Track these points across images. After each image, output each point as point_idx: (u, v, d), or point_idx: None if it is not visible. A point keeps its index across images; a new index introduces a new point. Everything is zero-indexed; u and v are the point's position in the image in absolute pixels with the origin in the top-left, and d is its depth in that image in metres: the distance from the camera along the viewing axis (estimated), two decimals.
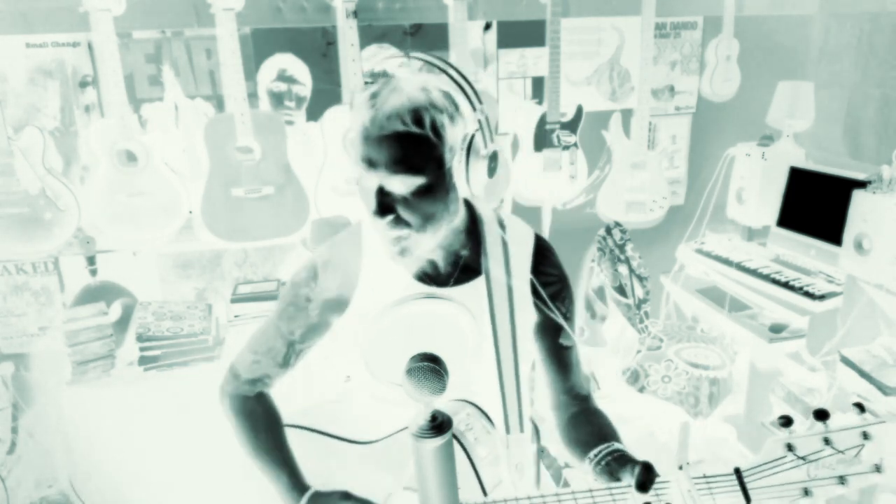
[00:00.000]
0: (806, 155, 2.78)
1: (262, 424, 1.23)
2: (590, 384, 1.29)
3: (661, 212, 2.82)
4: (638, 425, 2.77)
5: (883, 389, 1.93)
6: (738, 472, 0.77)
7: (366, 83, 2.43)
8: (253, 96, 2.44)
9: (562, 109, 2.63)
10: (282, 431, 1.23)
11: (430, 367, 0.84)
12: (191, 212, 2.41)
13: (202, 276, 2.65)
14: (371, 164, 0.99)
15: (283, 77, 2.50)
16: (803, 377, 2.41)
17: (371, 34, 2.51)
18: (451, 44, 2.56)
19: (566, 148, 2.66)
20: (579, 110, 2.67)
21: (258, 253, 2.66)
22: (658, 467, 0.85)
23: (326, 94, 2.52)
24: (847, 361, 2.06)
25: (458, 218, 1.12)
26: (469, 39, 2.54)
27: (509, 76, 2.72)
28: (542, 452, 2.12)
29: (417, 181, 0.99)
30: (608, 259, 2.61)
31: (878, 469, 0.71)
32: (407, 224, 1.02)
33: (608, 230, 2.61)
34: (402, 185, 0.99)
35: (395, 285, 1.14)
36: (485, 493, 1.07)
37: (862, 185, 2.16)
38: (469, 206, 1.19)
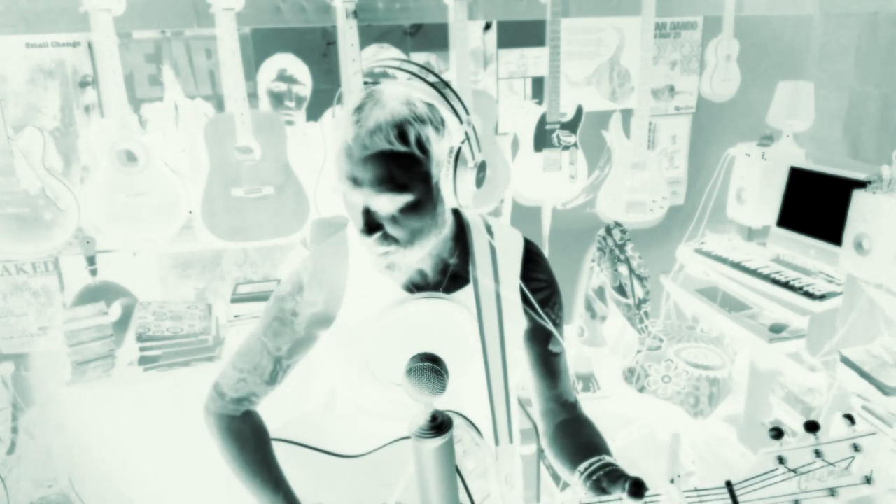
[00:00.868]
0: (806, 155, 2.78)
1: (251, 444, 1.20)
2: (576, 393, 1.27)
3: (661, 212, 2.82)
4: (638, 425, 2.77)
5: (883, 389, 1.93)
6: (729, 485, 0.77)
7: (365, 83, 2.43)
8: (253, 96, 2.44)
9: (562, 109, 2.63)
10: (271, 450, 1.20)
11: (430, 367, 0.84)
12: (191, 212, 2.41)
13: (202, 276, 2.65)
14: (356, 182, 0.97)
15: (283, 77, 2.50)
16: (803, 377, 2.41)
17: (371, 34, 2.51)
18: (451, 44, 2.56)
19: (566, 148, 2.65)
20: (579, 110, 2.67)
21: (258, 253, 2.66)
22: (653, 473, 0.85)
23: (326, 94, 2.52)
24: (847, 361, 2.05)
25: (447, 227, 1.11)
26: (469, 39, 2.54)
27: (509, 76, 2.72)
28: (541, 453, 2.12)
29: (404, 199, 0.96)
30: (608, 259, 2.61)
31: (868, 481, 0.71)
32: (394, 240, 1.00)
33: (608, 230, 2.61)
34: (388, 203, 0.97)
35: (383, 296, 1.12)
36: None
37: (862, 185, 2.16)
38: (456, 213, 1.18)
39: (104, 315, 2.32)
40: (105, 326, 2.29)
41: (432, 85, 0.99)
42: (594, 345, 2.75)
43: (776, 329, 2.47)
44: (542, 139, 2.63)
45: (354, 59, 2.36)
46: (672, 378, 2.50)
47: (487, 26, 2.64)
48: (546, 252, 2.66)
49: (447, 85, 1.02)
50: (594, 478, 1.02)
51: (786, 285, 2.45)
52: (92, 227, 2.41)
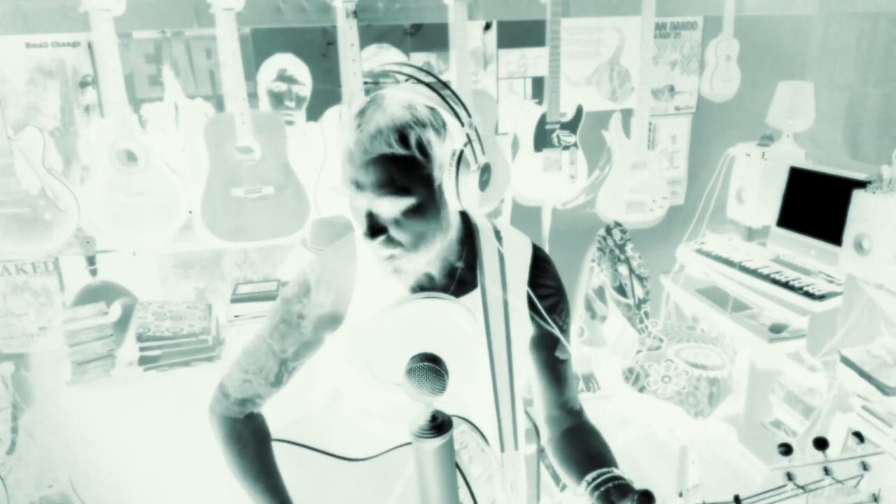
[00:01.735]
0: (806, 155, 2.78)
1: (251, 449, 1.20)
2: (581, 403, 1.26)
3: (661, 212, 2.82)
4: (638, 425, 2.77)
5: (883, 389, 1.93)
6: (737, 499, 0.76)
7: (365, 83, 2.43)
8: (253, 96, 2.44)
9: (562, 109, 2.63)
10: (271, 456, 1.21)
11: (431, 367, 0.84)
12: (191, 212, 2.41)
13: (202, 276, 2.65)
14: (358, 186, 0.96)
15: (283, 77, 2.50)
16: (803, 377, 2.41)
17: (371, 34, 2.51)
18: (451, 44, 2.56)
19: (566, 148, 2.65)
20: (579, 110, 2.67)
21: (258, 253, 2.66)
22: (654, 472, 0.85)
23: (326, 94, 2.52)
24: (847, 361, 2.06)
25: (453, 230, 1.10)
26: (469, 39, 2.54)
27: (509, 76, 2.72)
28: (541, 452, 2.12)
29: (407, 202, 0.96)
30: (608, 259, 2.61)
31: (875, 499, 0.72)
32: (399, 244, 1.00)
33: (608, 230, 2.61)
34: (391, 206, 0.96)
35: (390, 298, 1.11)
36: None
37: (862, 185, 2.16)
38: (464, 217, 1.18)
39: (104, 315, 2.32)
40: (105, 326, 2.29)
41: (433, 88, 0.99)
42: (594, 345, 2.75)
43: (776, 329, 2.47)
44: (542, 139, 2.63)
45: (354, 59, 2.36)
46: (672, 378, 2.50)
47: (487, 26, 2.64)
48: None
49: (448, 87, 1.02)
50: (602, 489, 1.02)
51: (786, 285, 2.45)
52: (92, 227, 2.41)
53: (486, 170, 1.03)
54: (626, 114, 2.77)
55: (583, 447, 1.16)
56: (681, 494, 0.80)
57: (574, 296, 2.77)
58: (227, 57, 2.29)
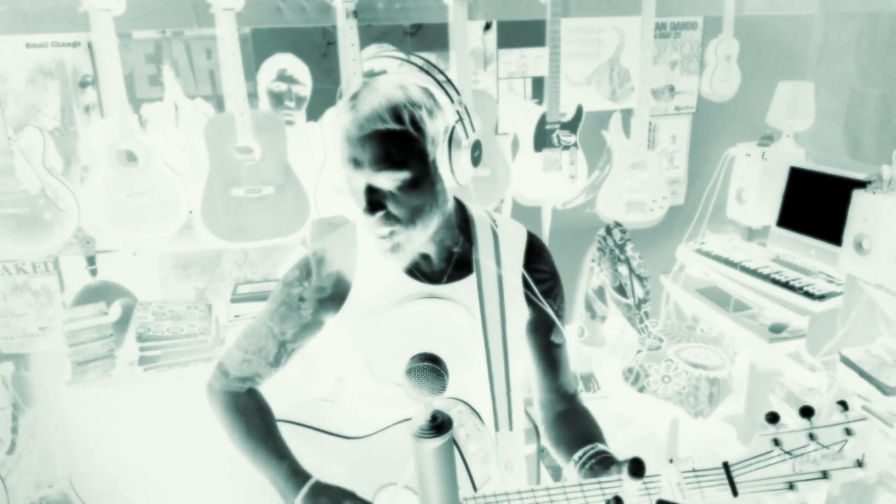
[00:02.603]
0: (806, 155, 2.78)
1: (256, 418, 1.23)
2: (577, 383, 1.28)
3: (661, 212, 2.82)
4: (638, 425, 2.77)
5: (883, 389, 1.93)
6: (726, 465, 0.79)
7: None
8: (253, 96, 2.44)
9: (562, 109, 2.63)
10: (275, 423, 1.23)
11: (430, 367, 0.84)
12: (191, 212, 2.41)
13: (202, 276, 2.65)
14: (356, 163, 1.01)
15: (283, 77, 2.50)
16: (803, 377, 2.41)
17: (371, 34, 2.51)
18: (451, 44, 2.56)
19: (566, 148, 2.65)
20: (579, 110, 2.67)
21: (258, 253, 2.66)
22: (650, 464, 0.87)
23: (326, 94, 2.52)
24: (847, 361, 2.05)
25: (449, 210, 1.13)
26: (469, 39, 2.54)
27: (509, 76, 2.72)
28: (542, 452, 2.12)
29: (402, 175, 1.00)
30: (608, 259, 2.61)
31: (859, 464, 0.74)
32: (397, 219, 1.04)
33: (608, 230, 2.61)
34: (387, 180, 1.01)
35: (390, 283, 1.15)
36: (475, 489, 1.09)
37: (862, 185, 2.16)
38: (461, 206, 1.21)
39: (104, 315, 2.32)
40: (105, 326, 2.29)
41: (423, 69, 1.04)
42: (594, 345, 2.75)
43: (776, 329, 2.47)
44: (542, 139, 2.63)
45: (354, 59, 2.36)
46: (672, 378, 2.50)
47: (487, 26, 2.64)
48: None
49: (437, 68, 1.06)
50: (588, 465, 1.06)
51: (786, 285, 2.45)
52: (92, 227, 2.41)
53: (477, 146, 1.07)
54: (626, 114, 2.77)
55: (573, 428, 1.20)
56: (671, 461, 0.83)
57: (574, 296, 2.77)
58: (227, 57, 2.29)
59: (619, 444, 2.71)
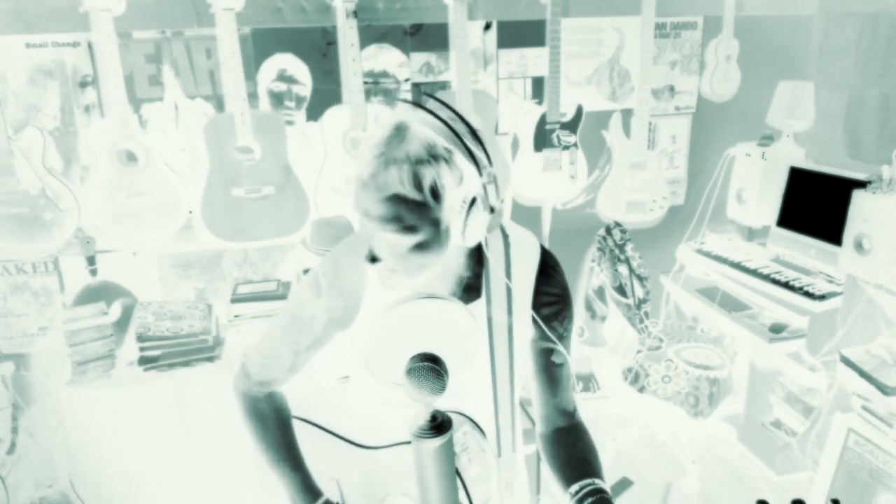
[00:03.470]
0: (806, 155, 2.78)
1: (272, 424, 1.26)
2: (575, 402, 1.28)
3: (661, 212, 2.82)
4: (638, 425, 2.77)
5: (883, 389, 1.93)
6: None
7: (364, 83, 2.42)
8: (253, 96, 2.44)
9: (562, 109, 2.63)
10: (291, 431, 1.26)
11: (430, 367, 0.84)
12: (191, 212, 2.41)
13: (202, 276, 2.65)
14: (366, 215, 0.98)
15: (283, 77, 2.50)
16: (803, 377, 2.41)
17: (371, 34, 2.51)
18: (451, 44, 2.56)
19: (566, 148, 2.65)
20: (579, 110, 2.67)
21: (258, 253, 2.66)
22: (646, 466, 0.86)
23: (326, 94, 2.52)
24: (847, 361, 2.05)
25: (453, 256, 1.10)
26: (469, 39, 2.54)
27: (509, 76, 2.72)
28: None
29: (412, 240, 0.98)
30: (608, 259, 2.61)
31: None
32: (395, 271, 1.03)
33: (608, 230, 2.61)
34: (396, 241, 0.98)
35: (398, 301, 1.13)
36: None
37: (862, 185, 2.16)
38: None
39: (104, 315, 2.32)
40: (105, 326, 2.29)
41: (458, 135, 0.97)
42: (594, 345, 2.75)
43: (776, 329, 2.47)
44: (542, 139, 2.63)
45: (354, 59, 2.36)
46: (672, 378, 2.50)
47: (487, 26, 2.64)
48: None
49: (474, 132, 1.00)
50: (585, 502, 1.05)
51: (786, 285, 2.45)
52: (92, 227, 2.41)
53: (497, 214, 1.02)
54: (626, 114, 2.77)
55: (570, 451, 1.19)
56: None
57: (574, 296, 2.77)
58: (227, 57, 2.29)
59: (619, 445, 2.72)
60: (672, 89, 2.92)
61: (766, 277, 2.53)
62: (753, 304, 2.62)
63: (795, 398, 2.51)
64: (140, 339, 2.29)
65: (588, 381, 2.76)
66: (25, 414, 2.54)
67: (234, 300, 2.46)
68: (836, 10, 2.84)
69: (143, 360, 2.30)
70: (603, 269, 2.65)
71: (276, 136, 2.40)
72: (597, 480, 1.09)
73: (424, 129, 0.95)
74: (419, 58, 2.60)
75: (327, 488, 1.22)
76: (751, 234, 2.88)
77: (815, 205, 2.53)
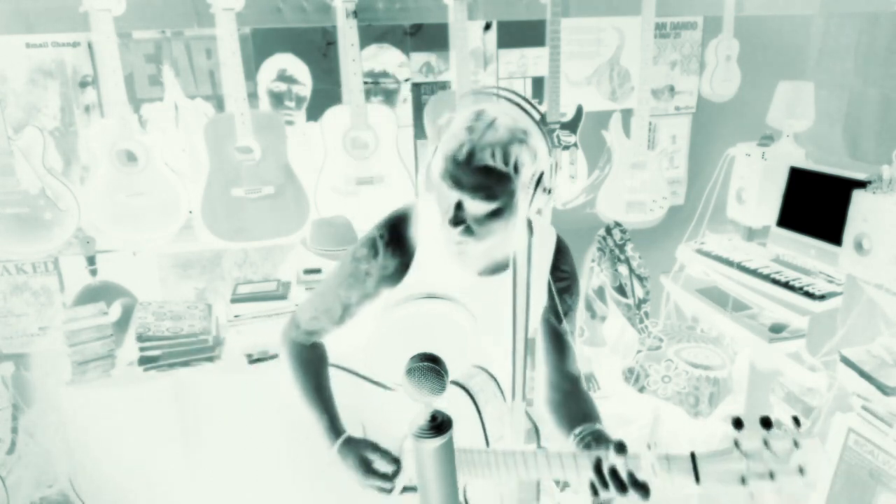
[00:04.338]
0: (806, 155, 2.78)
1: (312, 371, 1.42)
2: (580, 371, 1.45)
3: (661, 212, 2.82)
4: (638, 425, 2.77)
5: (883, 389, 1.93)
6: (693, 456, 0.95)
7: (364, 83, 2.41)
8: (253, 96, 2.44)
9: (562, 109, 2.63)
10: (327, 380, 1.42)
11: (430, 367, 0.84)
12: (191, 212, 2.41)
13: (202, 276, 2.65)
14: (456, 184, 1.15)
15: (283, 77, 2.50)
16: (803, 377, 2.41)
17: (371, 34, 2.51)
18: (451, 44, 2.56)
19: (566, 148, 2.66)
20: (579, 110, 2.67)
21: (258, 253, 2.66)
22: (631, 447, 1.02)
23: (326, 94, 2.52)
24: (847, 361, 2.05)
25: (516, 230, 1.27)
26: (469, 39, 2.54)
27: (509, 76, 2.72)
28: (541, 449, 2.12)
29: (492, 206, 1.16)
30: (608, 259, 2.61)
31: (801, 470, 0.88)
32: (472, 234, 1.19)
33: (608, 230, 2.61)
34: (478, 207, 1.16)
35: (439, 268, 1.31)
36: (488, 444, 1.25)
37: (862, 185, 2.16)
38: None
39: (104, 315, 2.32)
40: (105, 326, 2.29)
41: (536, 122, 1.19)
42: (594, 345, 2.75)
43: (776, 329, 2.47)
44: None
45: (354, 59, 2.36)
46: (672, 378, 2.50)
47: (487, 26, 2.64)
48: None
49: (544, 119, 1.17)
50: (585, 440, 1.21)
51: (786, 285, 2.45)
52: (92, 227, 2.41)
53: (552, 192, 1.24)
54: (626, 114, 2.77)
55: (575, 407, 1.36)
56: (649, 446, 0.98)
57: (580, 290, 2.77)
58: (227, 57, 2.29)
59: None
60: (672, 89, 2.92)
61: (766, 277, 2.53)
62: (753, 304, 2.62)
63: (795, 398, 2.50)
64: (140, 339, 2.29)
65: (588, 381, 2.76)
66: (25, 414, 2.53)
67: (234, 300, 2.46)
68: (836, 10, 2.84)
69: (143, 360, 2.30)
70: (603, 269, 2.65)
71: (276, 136, 2.40)
72: (597, 424, 1.26)
73: (508, 119, 1.16)
74: (419, 58, 2.60)
75: (353, 428, 1.38)
76: (751, 234, 2.88)
77: (815, 205, 2.53)
